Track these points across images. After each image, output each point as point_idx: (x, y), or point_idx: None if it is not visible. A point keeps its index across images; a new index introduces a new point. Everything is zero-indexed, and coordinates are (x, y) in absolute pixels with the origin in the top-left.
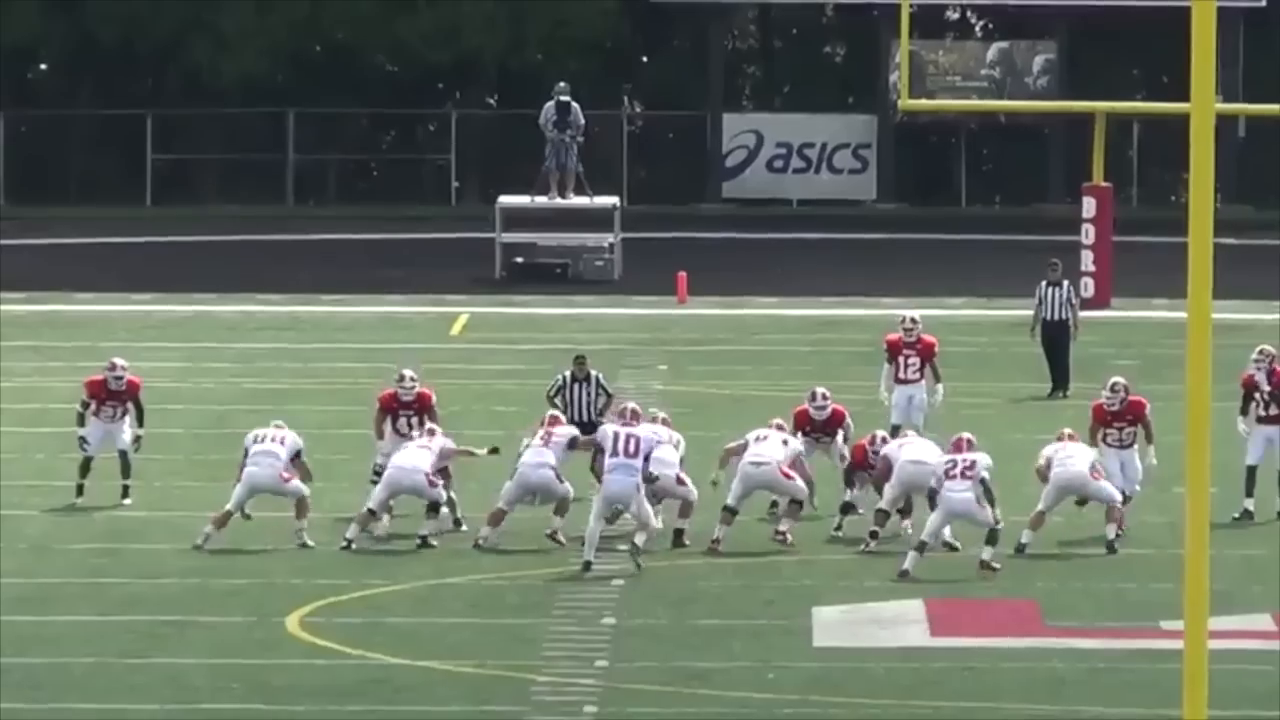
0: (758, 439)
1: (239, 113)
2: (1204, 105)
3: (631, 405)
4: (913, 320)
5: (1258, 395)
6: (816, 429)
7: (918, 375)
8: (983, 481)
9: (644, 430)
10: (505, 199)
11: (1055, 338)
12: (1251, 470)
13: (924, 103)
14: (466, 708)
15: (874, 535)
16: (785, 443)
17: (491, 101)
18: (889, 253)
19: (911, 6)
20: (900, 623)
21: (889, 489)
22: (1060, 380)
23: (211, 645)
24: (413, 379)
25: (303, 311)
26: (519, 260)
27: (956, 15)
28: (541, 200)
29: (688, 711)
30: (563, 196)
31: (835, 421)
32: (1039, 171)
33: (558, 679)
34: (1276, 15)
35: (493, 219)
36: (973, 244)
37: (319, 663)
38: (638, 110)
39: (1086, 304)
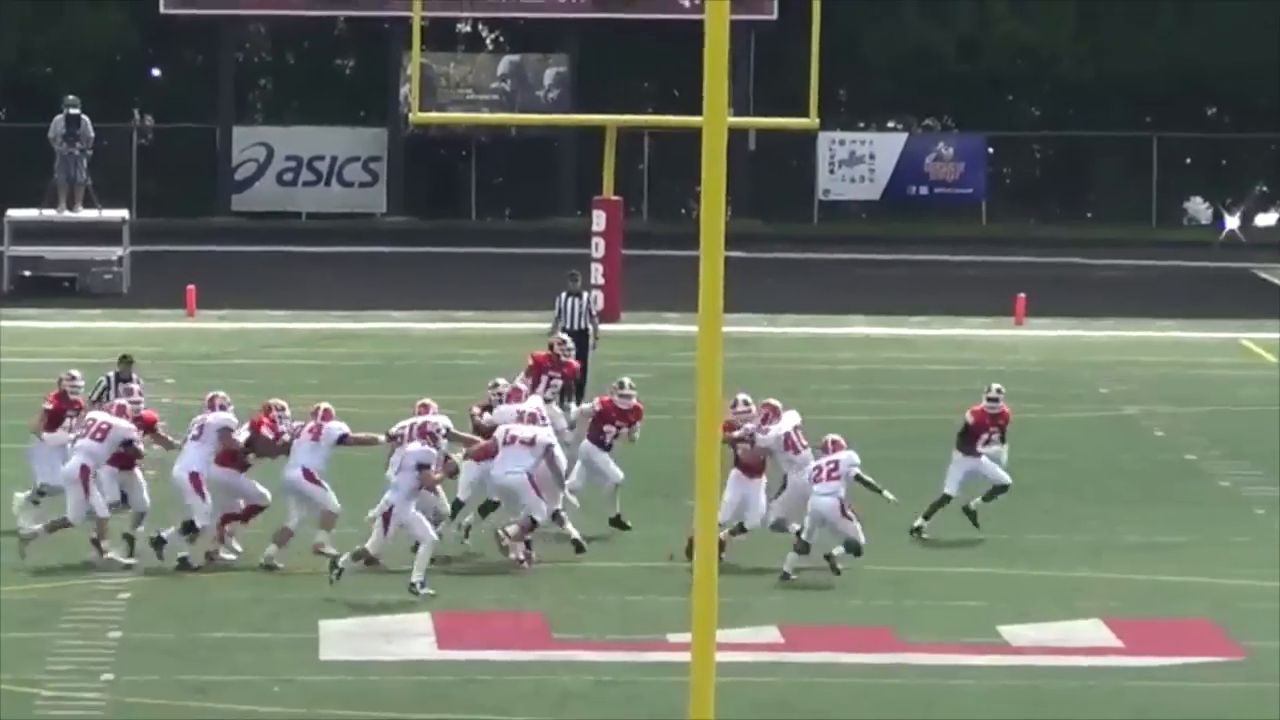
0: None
1: None
2: (716, 118)
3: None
4: (570, 345)
5: (986, 434)
6: (620, 417)
7: (556, 397)
8: (858, 478)
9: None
10: (13, 212)
11: (574, 348)
12: (947, 499)
13: (434, 115)
14: None
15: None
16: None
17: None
18: (399, 266)
19: (423, 19)
20: (407, 635)
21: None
22: (576, 390)
23: None
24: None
25: None
26: (27, 273)
27: (468, 28)
28: (50, 213)
29: None
30: (71, 209)
31: (636, 414)
32: (550, 184)
33: (62, 693)
34: (788, 29)
35: (1, 232)
36: (483, 257)
37: None
38: (148, 123)
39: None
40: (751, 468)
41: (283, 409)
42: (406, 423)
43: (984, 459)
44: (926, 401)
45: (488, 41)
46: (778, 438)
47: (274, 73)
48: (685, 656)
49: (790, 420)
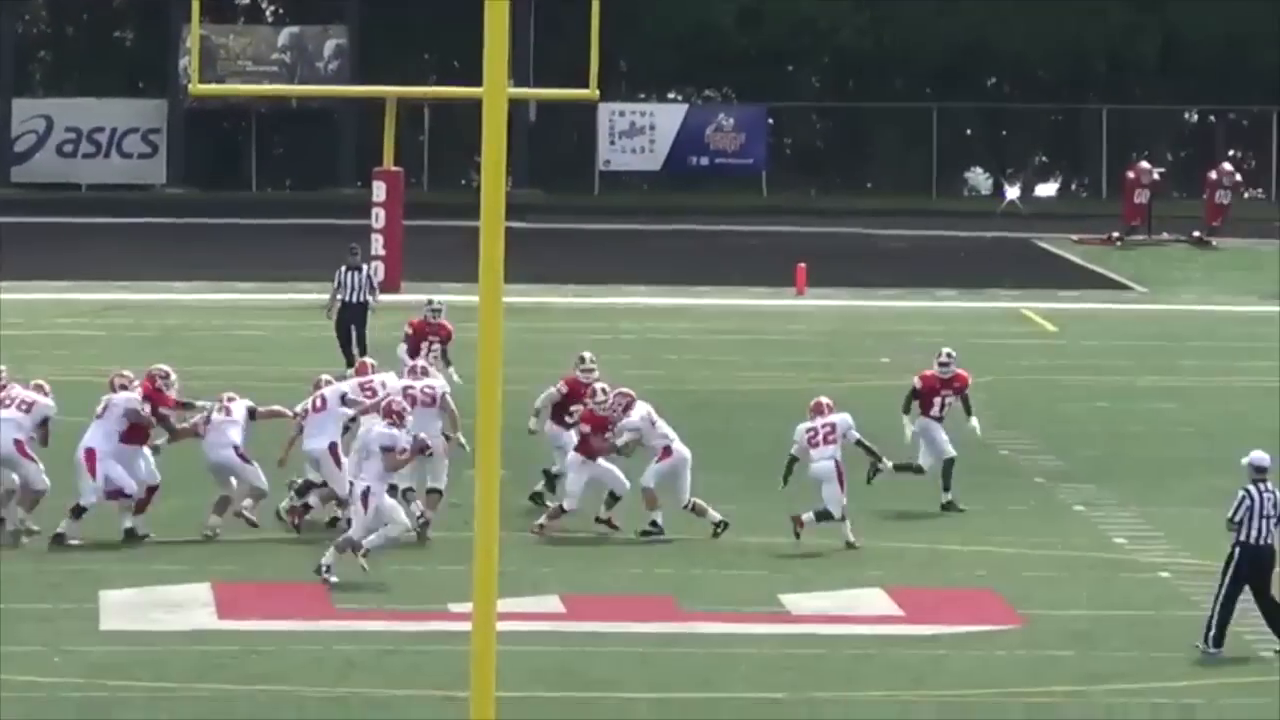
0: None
1: None
2: (496, 90)
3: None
4: (438, 306)
5: (938, 399)
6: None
7: (438, 360)
8: (858, 443)
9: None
10: None
11: (353, 320)
12: (920, 470)
13: (214, 87)
14: None
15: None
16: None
17: None
18: (179, 237)
19: None
20: (188, 605)
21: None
22: (354, 361)
23: None
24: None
25: None
26: None
27: (247, 0)
28: None
29: None
30: None
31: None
32: (330, 156)
33: None
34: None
35: None
36: (263, 228)
37: None
38: None
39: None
40: (595, 450)
41: (167, 375)
42: (308, 401)
43: (936, 424)
44: (709, 371)
45: (267, 13)
46: (644, 418)
47: (53, 44)
48: (466, 626)
49: (645, 406)
